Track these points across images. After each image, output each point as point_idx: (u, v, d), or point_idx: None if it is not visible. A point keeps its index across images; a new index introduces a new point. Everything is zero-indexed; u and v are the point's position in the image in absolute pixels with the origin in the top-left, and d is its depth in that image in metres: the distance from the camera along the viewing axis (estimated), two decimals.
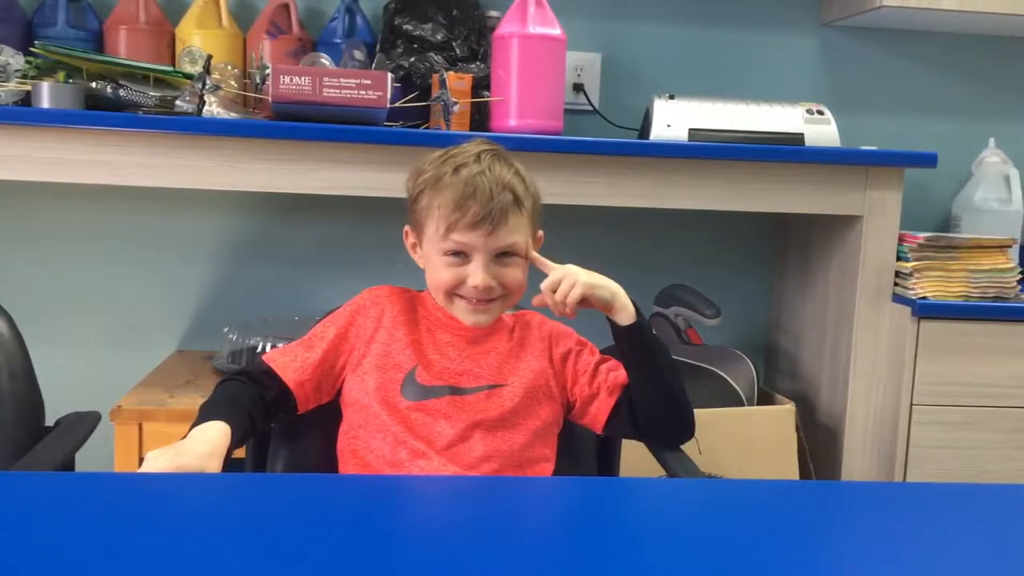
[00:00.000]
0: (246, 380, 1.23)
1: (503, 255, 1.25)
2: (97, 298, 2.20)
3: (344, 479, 1.09)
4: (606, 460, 1.40)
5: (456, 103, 1.89)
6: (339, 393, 1.28)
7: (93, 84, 1.78)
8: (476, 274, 1.23)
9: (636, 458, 1.37)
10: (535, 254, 1.28)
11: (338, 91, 1.72)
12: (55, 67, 1.82)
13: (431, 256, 1.28)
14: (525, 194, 1.26)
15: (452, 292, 1.26)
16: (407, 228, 1.33)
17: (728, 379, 1.95)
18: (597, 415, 1.30)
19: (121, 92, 1.77)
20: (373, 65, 1.97)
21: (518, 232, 1.25)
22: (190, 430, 1.11)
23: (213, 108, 1.81)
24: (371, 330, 1.29)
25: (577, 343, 1.34)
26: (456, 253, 1.24)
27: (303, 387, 1.25)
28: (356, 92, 1.72)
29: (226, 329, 2.05)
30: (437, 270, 1.26)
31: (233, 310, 2.20)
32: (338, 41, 2.08)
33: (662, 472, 1.27)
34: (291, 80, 1.71)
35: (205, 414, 1.14)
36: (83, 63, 1.81)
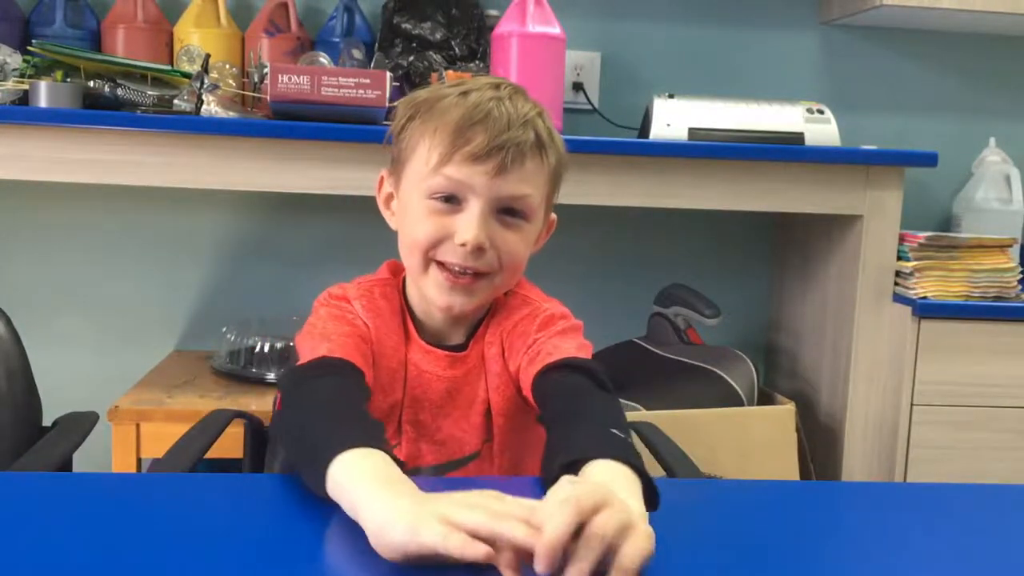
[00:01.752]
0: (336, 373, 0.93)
1: (508, 212, 0.98)
2: (94, 298, 2.20)
3: None
4: None
5: None
6: None
7: (91, 83, 1.77)
8: (468, 225, 0.96)
9: None
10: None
11: (337, 90, 1.71)
12: (53, 66, 1.82)
13: (410, 204, 1.00)
14: (551, 144, 1.01)
15: (429, 255, 0.99)
16: (383, 173, 1.07)
17: (728, 379, 1.95)
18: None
19: (119, 91, 1.77)
20: (372, 64, 1.97)
21: (534, 184, 0.99)
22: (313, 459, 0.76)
23: (211, 107, 1.81)
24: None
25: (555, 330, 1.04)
26: (446, 197, 0.97)
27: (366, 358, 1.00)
28: (355, 91, 1.72)
29: (224, 329, 2.05)
30: (416, 222, 0.98)
31: (231, 310, 2.19)
32: (337, 40, 2.08)
33: (662, 472, 1.26)
34: (290, 79, 1.71)
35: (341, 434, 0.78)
36: (81, 62, 1.80)
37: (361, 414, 0.86)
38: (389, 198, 1.07)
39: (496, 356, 1.06)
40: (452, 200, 0.97)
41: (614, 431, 0.83)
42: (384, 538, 0.64)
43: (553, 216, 1.09)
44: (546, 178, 1.01)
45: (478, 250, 0.97)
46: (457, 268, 0.98)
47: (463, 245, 0.96)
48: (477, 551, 0.60)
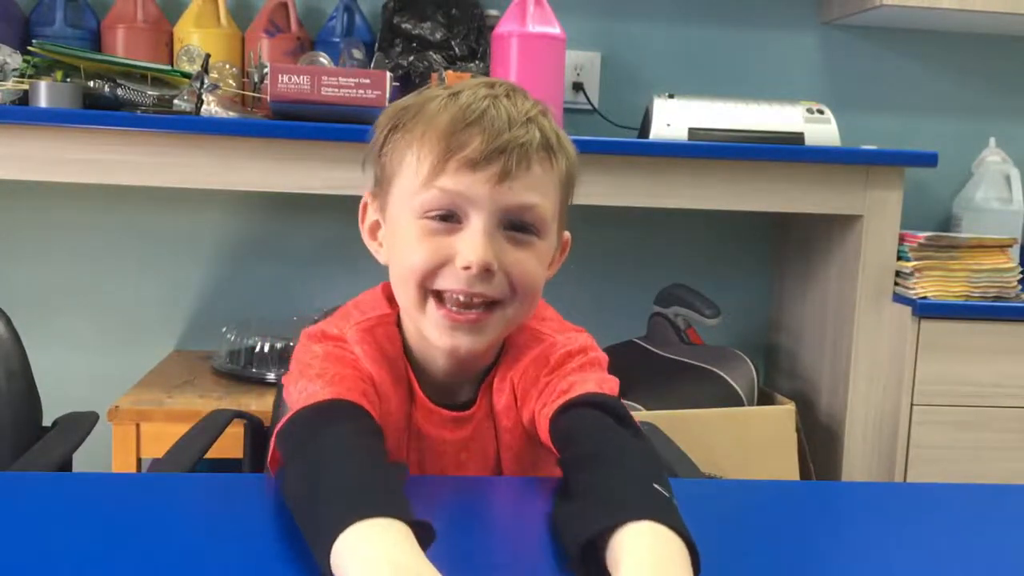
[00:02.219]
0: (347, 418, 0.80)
1: (516, 228, 0.84)
2: (94, 298, 2.20)
3: None
4: None
5: None
6: None
7: (91, 83, 1.77)
8: (471, 244, 0.81)
9: None
10: None
11: (337, 90, 1.71)
12: (53, 66, 1.82)
13: (399, 228, 0.85)
14: (558, 143, 0.87)
15: (426, 286, 0.84)
16: (366, 198, 0.92)
17: (728, 379, 1.95)
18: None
19: (119, 91, 1.77)
20: (372, 64, 1.97)
21: (544, 192, 0.85)
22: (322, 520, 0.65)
23: (211, 107, 1.81)
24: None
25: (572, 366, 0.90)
26: (442, 215, 0.82)
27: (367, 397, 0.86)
28: (355, 91, 1.72)
29: (224, 329, 2.05)
30: (408, 247, 0.84)
31: (231, 310, 2.19)
32: (337, 40, 2.08)
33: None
34: (289, 79, 1.71)
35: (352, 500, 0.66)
36: (81, 62, 1.80)
37: (375, 469, 0.72)
38: (375, 227, 0.91)
39: (508, 408, 0.92)
40: (450, 218, 0.82)
41: (656, 487, 0.71)
42: None
43: (567, 234, 0.95)
44: (557, 184, 0.87)
45: (485, 272, 0.81)
46: (461, 298, 0.83)
47: (467, 268, 0.81)
48: None
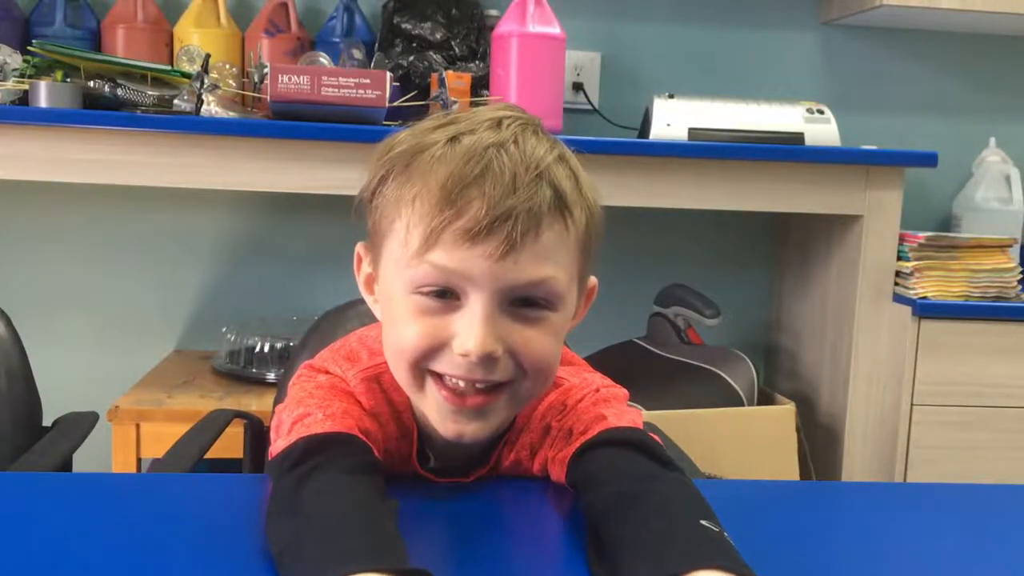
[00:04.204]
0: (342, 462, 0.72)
1: (523, 303, 0.73)
2: (94, 298, 2.20)
3: None
4: None
5: (455, 102, 1.88)
6: None
7: (91, 83, 1.77)
8: (469, 330, 0.71)
9: None
10: None
11: (337, 90, 1.71)
12: (53, 66, 1.82)
13: (391, 297, 0.75)
14: (575, 196, 0.75)
15: (422, 366, 0.74)
16: (359, 249, 0.82)
17: (728, 379, 1.95)
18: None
19: (119, 91, 1.77)
20: (372, 64, 1.97)
21: (556, 261, 0.73)
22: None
23: (211, 107, 1.81)
24: None
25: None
26: (438, 292, 0.72)
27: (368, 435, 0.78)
28: (355, 91, 1.72)
29: (224, 329, 2.05)
30: (400, 325, 0.74)
31: (231, 310, 2.19)
32: (337, 40, 2.08)
33: None
34: (290, 79, 1.71)
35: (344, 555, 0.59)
36: (81, 62, 1.80)
37: (361, 512, 0.66)
38: (370, 280, 0.81)
39: (519, 464, 0.85)
40: (445, 295, 0.72)
41: (704, 523, 0.64)
42: None
43: (593, 280, 0.82)
44: (574, 247, 0.74)
45: (488, 360, 0.71)
46: (462, 384, 0.73)
47: (465, 354, 0.71)
48: None
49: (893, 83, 2.35)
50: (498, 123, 0.74)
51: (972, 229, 2.16)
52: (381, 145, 0.78)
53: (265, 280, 2.23)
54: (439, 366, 0.73)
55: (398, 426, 0.82)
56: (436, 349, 0.72)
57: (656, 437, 0.79)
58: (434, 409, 0.75)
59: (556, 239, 0.72)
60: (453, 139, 0.72)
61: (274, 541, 0.65)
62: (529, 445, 0.83)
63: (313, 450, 0.72)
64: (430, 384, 0.75)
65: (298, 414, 0.77)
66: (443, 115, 0.77)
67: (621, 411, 0.81)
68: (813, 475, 2.02)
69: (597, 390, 0.83)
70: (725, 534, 0.64)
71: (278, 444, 0.76)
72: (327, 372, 0.83)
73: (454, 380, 0.73)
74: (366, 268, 0.81)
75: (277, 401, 1.21)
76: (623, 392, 0.86)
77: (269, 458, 0.77)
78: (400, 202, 0.73)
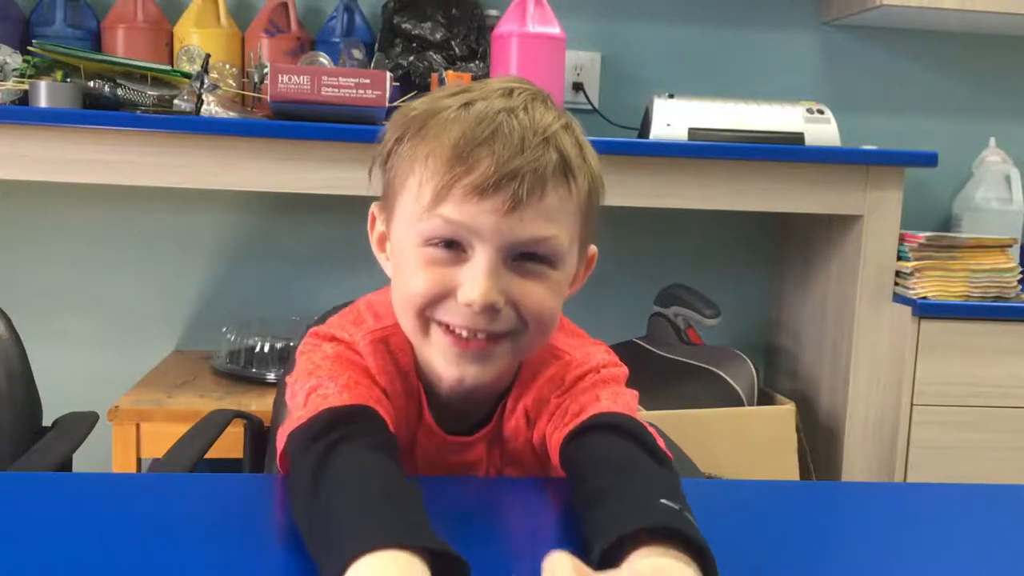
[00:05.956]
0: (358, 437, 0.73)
1: (526, 258, 0.77)
2: (94, 298, 2.20)
3: None
4: None
5: None
6: None
7: (91, 83, 1.77)
8: (473, 280, 0.75)
9: None
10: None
11: (337, 90, 1.71)
12: (53, 66, 1.82)
13: (402, 250, 0.80)
14: (580, 164, 0.80)
15: (427, 315, 0.79)
16: (374, 208, 0.87)
17: (728, 379, 1.95)
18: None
19: (119, 91, 1.77)
20: (372, 64, 1.97)
21: (559, 221, 0.78)
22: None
23: (211, 107, 1.81)
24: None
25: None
26: (445, 243, 0.77)
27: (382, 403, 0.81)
28: (355, 91, 1.72)
29: (224, 329, 2.05)
30: (409, 274, 0.78)
31: (231, 310, 2.19)
32: (337, 40, 2.08)
33: None
34: (290, 79, 1.71)
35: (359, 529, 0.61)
36: (81, 62, 1.80)
37: (390, 489, 0.67)
38: (383, 239, 0.85)
39: (517, 430, 0.87)
40: (453, 246, 0.76)
41: (664, 501, 0.66)
42: None
43: (593, 249, 0.88)
44: (576, 210, 0.79)
45: (490, 311, 0.76)
46: (464, 333, 0.77)
47: (469, 303, 0.75)
48: None
49: (893, 83, 2.35)
50: (509, 92, 0.79)
51: (972, 229, 2.16)
52: (397, 112, 0.83)
53: (265, 280, 2.23)
54: (444, 316, 0.77)
55: (404, 386, 0.85)
56: (442, 297, 0.77)
57: (654, 433, 0.81)
58: (439, 354, 0.79)
59: (559, 201, 0.77)
60: (466, 104, 0.77)
61: (301, 513, 0.67)
62: (526, 411, 0.86)
63: (337, 422, 0.73)
64: (435, 331, 0.79)
65: (311, 385, 0.79)
66: (457, 85, 0.83)
67: (616, 393, 0.84)
68: (813, 475, 2.02)
69: (598, 370, 0.86)
70: (687, 513, 0.65)
71: (297, 415, 0.77)
72: (333, 338, 0.85)
73: (458, 329, 0.77)
74: (379, 227, 0.86)
75: (277, 402, 1.22)
76: (623, 372, 0.88)
77: (283, 431, 0.78)
78: (414, 160, 0.78)
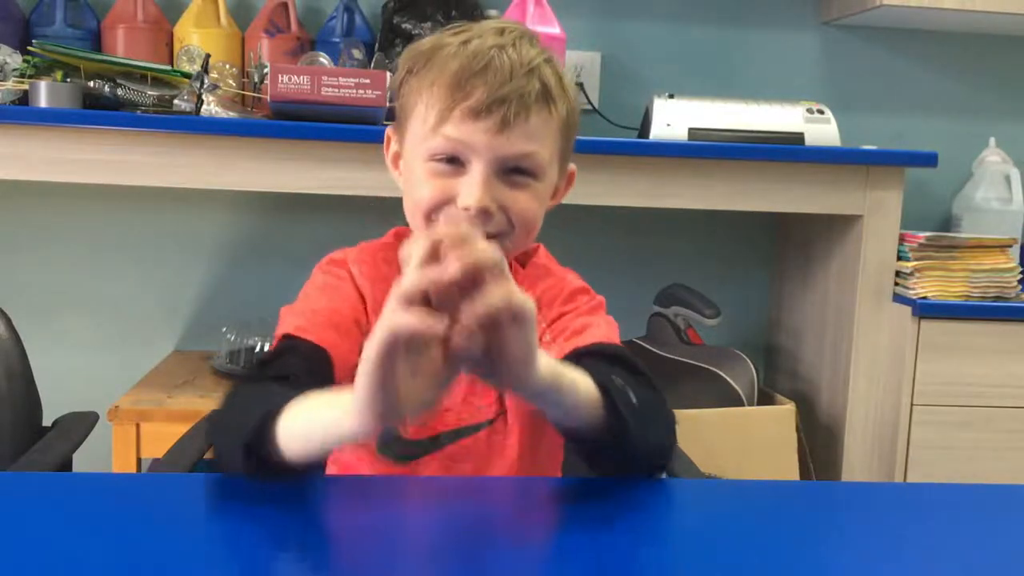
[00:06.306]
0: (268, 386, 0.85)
1: (514, 171, 0.92)
2: (94, 298, 2.20)
3: (337, 480, 1.08)
4: None
5: None
6: None
7: (91, 83, 1.77)
8: (470, 188, 0.90)
9: None
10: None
11: (337, 90, 1.71)
12: (53, 66, 1.82)
13: (411, 165, 0.95)
14: (560, 93, 0.94)
15: (432, 219, 0.93)
16: (389, 130, 1.03)
17: (728, 379, 1.95)
18: None
19: (119, 91, 1.77)
20: (372, 64, 1.97)
21: (541, 140, 0.92)
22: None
23: (211, 107, 1.81)
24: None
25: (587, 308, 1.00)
26: (447, 159, 0.91)
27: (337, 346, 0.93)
28: (355, 91, 1.72)
29: (224, 329, 2.05)
30: (417, 185, 0.93)
31: (231, 310, 2.19)
32: (337, 40, 2.08)
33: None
34: (289, 79, 1.71)
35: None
36: (81, 62, 1.80)
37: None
38: (396, 157, 1.01)
39: None
40: (453, 161, 0.91)
41: (614, 378, 0.82)
42: (359, 397, 0.67)
43: (572, 167, 1.02)
44: (555, 131, 0.93)
45: (484, 214, 0.90)
46: None
47: (466, 208, 0.89)
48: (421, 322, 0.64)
49: (893, 83, 2.35)
50: (501, 31, 0.93)
51: (972, 229, 2.16)
52: (408, 47, 0.98)
53: (265, 280, 2.23)
54: (445, 218, 0.92)
55: (388, 290, 0.93)
56: (444, 203, 0.91)
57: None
58: None
59: (542, 123, 0.91)
60: (465, 42, 0.91)
61: (215, 430, 0.85)
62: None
63: (277, 355, 0.91)
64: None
65: (285, 313, 0.97)
66: (458, 25, 0.96)
67: (609, 323, 1.01)
68: (813, 475, 2.02)
69: (587, 291, 1.03)
70: (628, 390, 0.82)
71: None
72: (329, 263, 1.03)
73: None
74: (394, 147, 1.01)
75: None
76: (603, 300, 1.04)
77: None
78: (421, 88, 0.92)
